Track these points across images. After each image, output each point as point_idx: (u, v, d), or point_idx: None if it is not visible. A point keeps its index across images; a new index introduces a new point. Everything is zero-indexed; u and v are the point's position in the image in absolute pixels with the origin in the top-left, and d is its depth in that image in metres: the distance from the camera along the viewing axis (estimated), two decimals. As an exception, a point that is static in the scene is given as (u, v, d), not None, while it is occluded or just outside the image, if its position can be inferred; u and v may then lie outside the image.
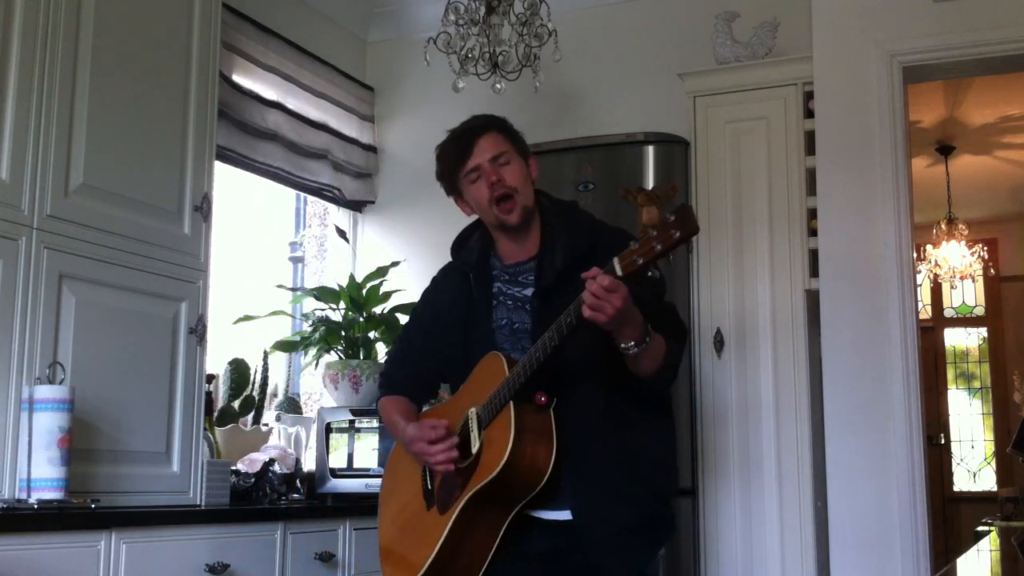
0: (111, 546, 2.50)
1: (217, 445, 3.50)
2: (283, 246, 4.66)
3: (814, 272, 3.71)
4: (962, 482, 8.96)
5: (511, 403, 2.17)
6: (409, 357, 2.57)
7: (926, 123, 6.42)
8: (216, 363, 3.64)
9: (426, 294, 2.60)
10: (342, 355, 3.93)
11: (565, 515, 2.26)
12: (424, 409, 2.59)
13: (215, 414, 3.59)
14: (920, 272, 7.38)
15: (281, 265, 4.63)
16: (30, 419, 2.52)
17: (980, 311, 9.09)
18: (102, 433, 2.75)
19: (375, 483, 3.51)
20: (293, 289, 4.35)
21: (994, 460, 8.84)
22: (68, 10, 2.73)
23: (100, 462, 2.73)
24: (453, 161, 2.39)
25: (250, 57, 4.01)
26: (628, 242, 2.40)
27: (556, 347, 2.12)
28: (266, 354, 3.93)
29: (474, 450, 2.25)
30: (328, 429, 3.65)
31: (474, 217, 2.50)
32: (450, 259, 2.57)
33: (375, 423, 3.66)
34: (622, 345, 2.12)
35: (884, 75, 3.67)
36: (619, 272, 1.99)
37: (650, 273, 2.04)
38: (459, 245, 2.53)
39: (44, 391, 2.53)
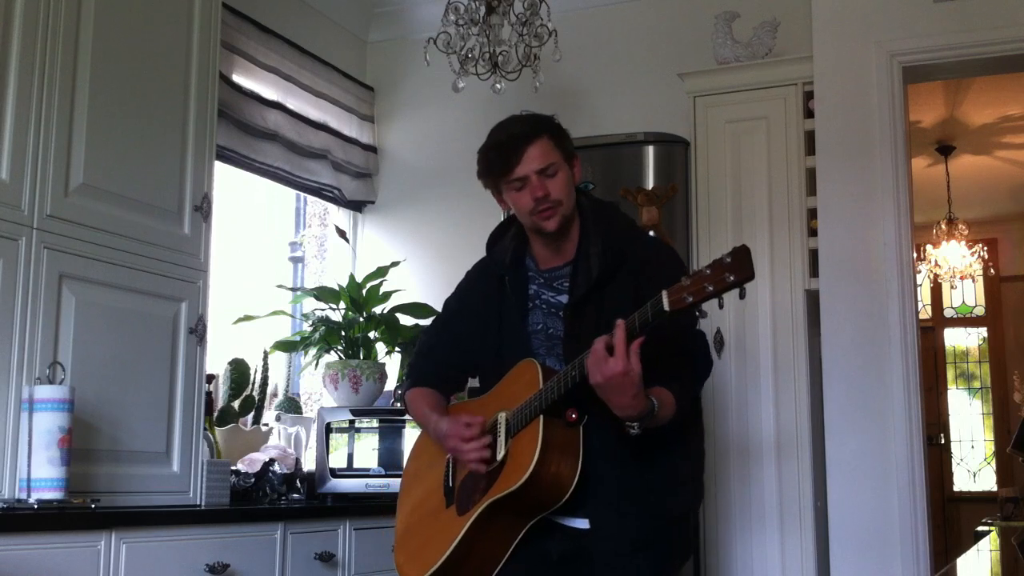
0: (111, 546, 2.50)
1: (217, 445, 3.50)
2: (283, 246, 4.66)
3: (814, 272, 3.71)
4: (962, 482, 8.96)
5: (541, 417, 2.15)
6: (436, 349, 2.55)
7: (926, 123, 6.43)
8: (216, 363, 3.64)
9: (459, 288, 2.57)
10: (342, 355, 3.93)
11: (583, 523, 2.26)
12: (453, 403, 2.58)
13: (215, 414, 3.59)
14: (920, 272, 7.38)
15: (281, 265, 4.62)
16: (30, 419, 2.51)
17: (980, 311, 9.09)
18: (102, 433, 2.75)
19: (375, 483, 3.53)
20: (293, 289, 4.35)
21: (994, 460, 8.84)
22: (68, 10, 2.73)
23: (100, 462, 2.73)
24: (499, 168, 2.30)
25: (250, 57, 4.01)
26: (666, 257, 2.35)
27: None
28: (266, 354, 3.93)
29: (499, 457, 2.25)
30: (328, 429, 3.64)
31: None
32: (464, 256, 2.55)
33: (375, 423, 3.66)
34: (625, 424, 2.09)
35: (884, 75, 3.68)
36: (667, 307, 1.95)
37: (697, 313, 2.00)
38: (493, 242, 2.49)
39: (44, 391, 2.53)
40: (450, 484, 2.39)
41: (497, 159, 2.30)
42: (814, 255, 3.72)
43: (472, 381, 2.65)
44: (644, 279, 2.22)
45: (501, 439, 2.26)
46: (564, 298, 2.34)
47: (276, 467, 3.46)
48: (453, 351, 2.51)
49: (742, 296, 1.95)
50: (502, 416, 2.27)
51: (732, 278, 1.90)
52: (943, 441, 8.83)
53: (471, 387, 2.77)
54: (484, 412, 2.35)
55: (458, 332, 2.50)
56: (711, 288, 1.91)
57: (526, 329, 2.36)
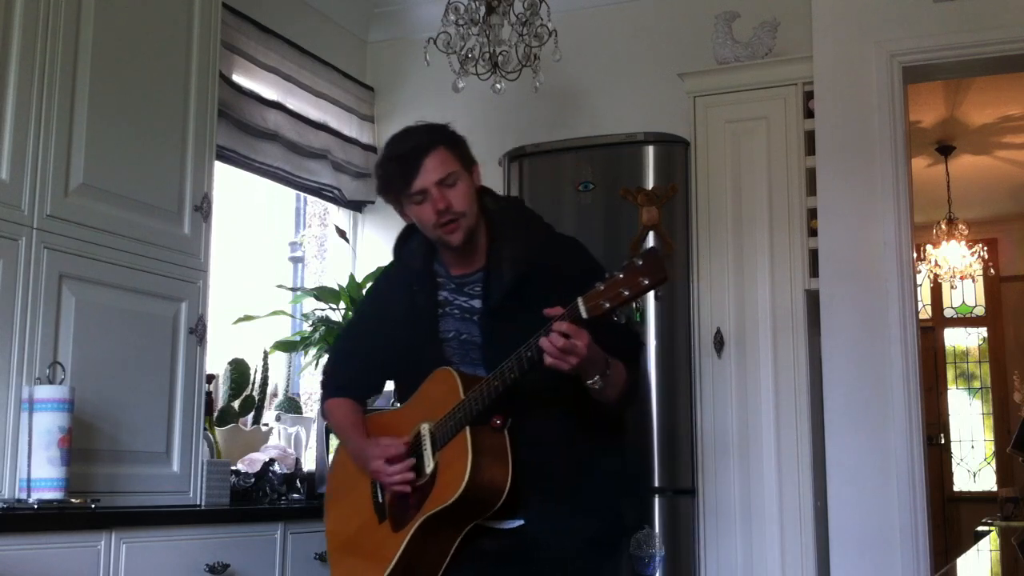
0: (111, 546, 2.50)
1: (217, 445, 3.50)
2: (283, 246, 4.66)
3: (814, 272, 3.70)
4: (962, 482, 8.96)
5: (467, 427, 2.13)
6: (354, 355, 2.51)
7: (926, 123, 6.42)
8: (216, 363, 3.64)
9: (372, 291, 2.55)
10: (342, 355, 3.92)
11: (517, 523, 2.24)
12: (370, 412, 2.53)
13: (215, 414, 3.59)
14: (920, 272, 7.38)
15: (281, 265, 4.63)
16: (30, 419, 2.52)
17: (980, 311, 9.09)
18: (102, 433, 2.75)
19: (375, 483, 3.52)
20: (293, 289, 4.35)
21: (994, 460, 8.84)
22: (68, 10, 2.73)
23: (100, 462, 2.73)
24: (398, 183, 2.27)
25: (250, 57, 4.01)
26: (577, 253, 2.33)
27: (516, 379, 2.08)
28: (266, 354, 3.93)
29: (427, 469, 2.23)
30: (328, 429, 3.64)
31: None
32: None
33: (375, 423, 3.66)
34: (588, 382, 2.09)
35: (884, 75, 3.68)
36: (584, 315, 1.95)
37: (615, 318, 1.97)
38: (400, 244, 2.46)
39: (44, 391, 2.53)
40: (380, 500, 2.36)
41: (395, 173, 2.27)
42: (814, 255, 3.71)
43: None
44: (563, 280, 2.17)
45: (428, 452, 2.23)
46: (478, 303, 2.31)
47: (276, 467, 3.46)
48: (370, 356, 2.47)
49: (658, 298, 1.96)
50: (425, 428, 2.25)
51: (646, 281, 1.90)
52: (943, 441, 8.83)
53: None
54: (404, 423, 2.31)
55: (375, 337, 2.46)
56: (627, 293, 1.91)
57: (438, 336, 2.33)
